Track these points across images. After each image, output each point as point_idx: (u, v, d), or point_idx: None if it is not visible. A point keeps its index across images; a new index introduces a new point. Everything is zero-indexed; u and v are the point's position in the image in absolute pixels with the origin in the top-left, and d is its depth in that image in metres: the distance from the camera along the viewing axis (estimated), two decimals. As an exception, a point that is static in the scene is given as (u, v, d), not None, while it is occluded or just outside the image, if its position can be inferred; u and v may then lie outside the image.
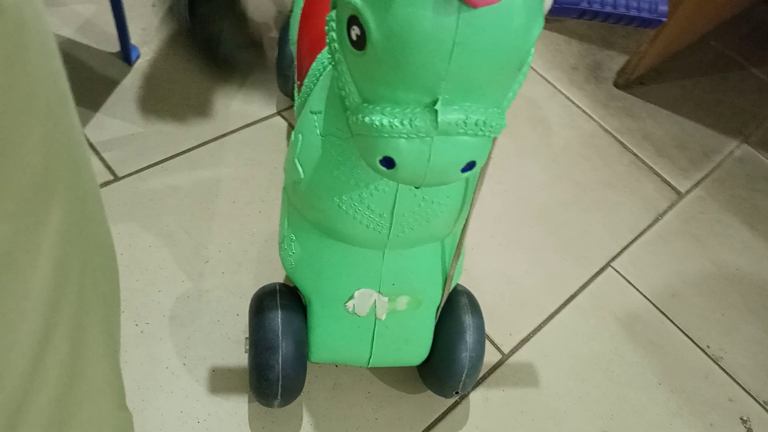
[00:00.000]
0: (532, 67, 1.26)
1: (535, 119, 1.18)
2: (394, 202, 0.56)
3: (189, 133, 0.98)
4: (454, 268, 0.66)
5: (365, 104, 0.44)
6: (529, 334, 0.88)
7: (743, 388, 0.89)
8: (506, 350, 0.86)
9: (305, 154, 0.58)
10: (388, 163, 0.44)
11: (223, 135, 0.99)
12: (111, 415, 0.36)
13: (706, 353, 0.92)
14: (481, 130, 0.42)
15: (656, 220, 1.07)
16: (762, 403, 0.89)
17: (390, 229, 0.58)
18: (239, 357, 0.77)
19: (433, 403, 0.78)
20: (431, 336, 0.69)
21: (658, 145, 1.19)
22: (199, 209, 0.89)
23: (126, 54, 1.02)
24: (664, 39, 1.22)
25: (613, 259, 1.00)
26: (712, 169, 1.18)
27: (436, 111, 0.41)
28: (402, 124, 0.42)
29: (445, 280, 0.67)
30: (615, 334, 0.91)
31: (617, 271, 0.98)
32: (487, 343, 0.84)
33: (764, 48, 1.45)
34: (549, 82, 1.25)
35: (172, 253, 0.84)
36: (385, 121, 0.42)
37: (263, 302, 0.68)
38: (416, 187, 0.53)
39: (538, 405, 0.82)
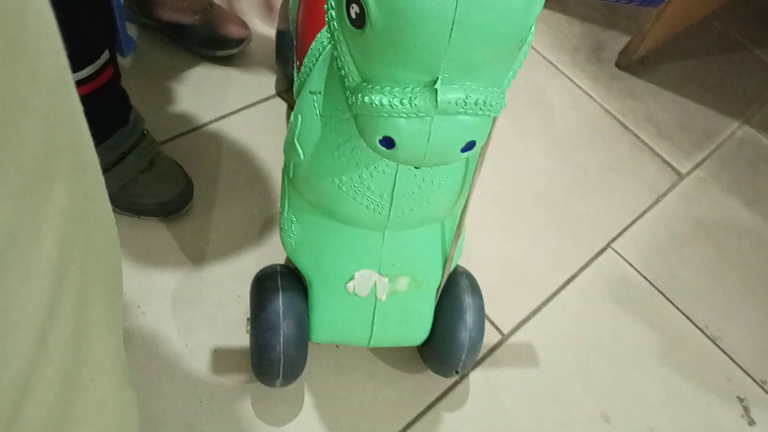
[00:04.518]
0: (533, 48, 1.25)
1: (537, 100, 1.17)
2: (394, 182, 0.56)
3: (188, 115, 0.97)
4: (454, 249, 0.67)
5: (365, 84, 0.43)
6: (528, 315, 0.89)
7: (741, 368, 0.90)
8: (506, 331, 0.86)
9: (305, 135, 0.58)
10: (388, 143, 0.44)
11: (222, 117, 0.99)
12: (116, 394, 0.36)
13: (705, 334, 0.93)
14: (481, 109, 0.42)
15: (657, 202, 1.07)
16: (759, 383, 0.89)
17: (390, 209, 0.58)
18: (241, 338, 0.78)
19: (434, 382, 0.79)
20: (431, 316, 0.70)
21: (659, 126, 1.19)
22: (199, 191, 0.89)
23: (120, 45, 1.00)
24: (667, 19, 1.21)
25: (614, 240, 1.00)
26: (714, 150, 1.18)
27: (435, 90, 0.41)
28: (402, 103, 0.41)
29: (446, 261, 0.67)
30: (614, 315, 0.91)
31: (617, 253, 0.98)
32: (487, 324, 0.85)
33: (768, 28, 1.44)
34: (551, 63, 1.24)
35: (173, 235, 0.85)
36: (385, 101, 0.42)
37: (264, 283, 0.68)
38: (416, 168, 0.53)
39: (538, 385, 0.82)
